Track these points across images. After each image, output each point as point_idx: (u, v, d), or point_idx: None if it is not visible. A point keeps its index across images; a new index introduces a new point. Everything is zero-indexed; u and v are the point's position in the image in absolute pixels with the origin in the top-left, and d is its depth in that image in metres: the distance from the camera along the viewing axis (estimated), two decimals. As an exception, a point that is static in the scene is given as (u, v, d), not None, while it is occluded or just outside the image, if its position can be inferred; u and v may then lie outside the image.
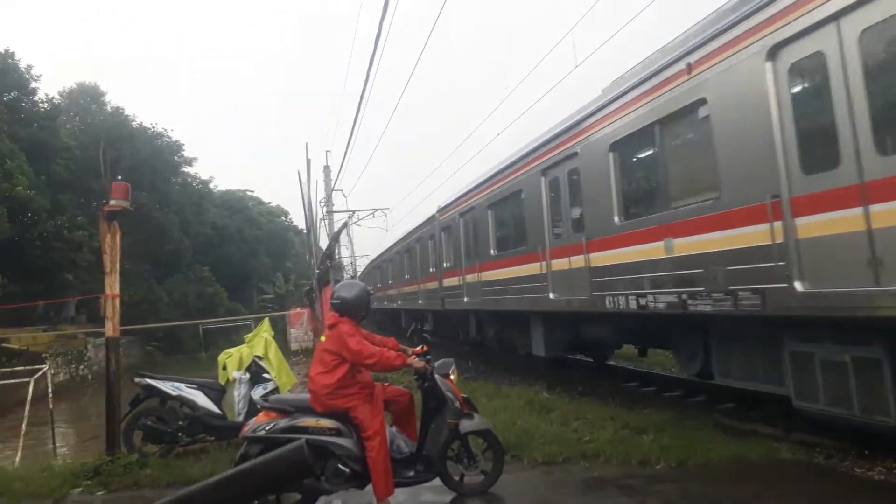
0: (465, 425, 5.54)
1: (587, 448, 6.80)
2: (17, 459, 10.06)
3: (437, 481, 5.55)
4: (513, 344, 13.86)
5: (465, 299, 15.60)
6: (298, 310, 27.29)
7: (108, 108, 33.75)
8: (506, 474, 5.75)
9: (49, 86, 75.35)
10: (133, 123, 33.07)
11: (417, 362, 5.46)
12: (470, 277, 15.26)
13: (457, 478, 5.62)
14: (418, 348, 5.80)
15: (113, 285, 7.64)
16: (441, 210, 18.43)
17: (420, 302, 21.34)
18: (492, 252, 13.92)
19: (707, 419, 8.17)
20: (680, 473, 6.02)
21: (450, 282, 17.28)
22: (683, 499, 5.28)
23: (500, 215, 13.83)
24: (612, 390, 10.50)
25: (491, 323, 15.32)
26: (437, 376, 5.56)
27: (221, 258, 36.84)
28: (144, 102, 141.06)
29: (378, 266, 35.65)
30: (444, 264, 18.17)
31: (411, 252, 23.31)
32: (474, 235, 15.12)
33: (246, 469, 1.49)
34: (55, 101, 30.24)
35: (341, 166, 35.71)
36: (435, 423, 5.52)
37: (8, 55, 27.04)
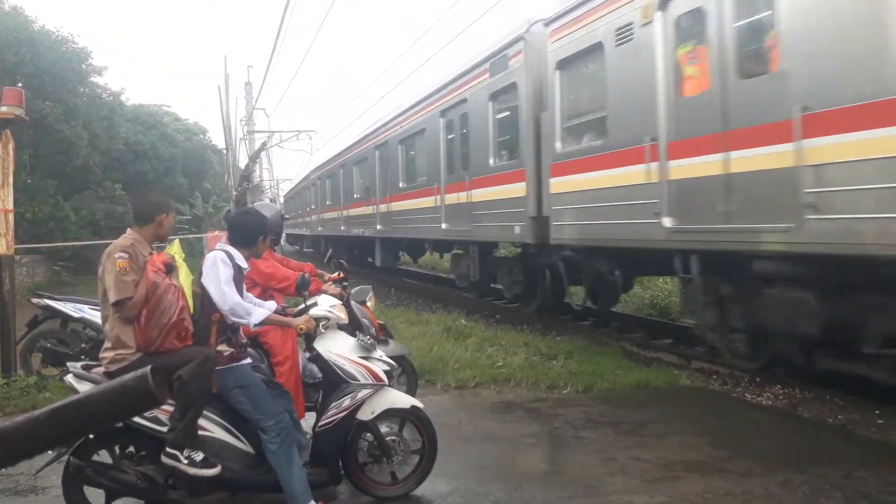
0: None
1: (499, 373, 6.98)
2: None
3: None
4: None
5: (378, 227, 16.85)
6: (216, 233, 26.39)
7: (6, 7, 30.82)
8: (418, 398, 5.80)
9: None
10: (35, 26, 30.35)
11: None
12: (383, 207, 16.44)
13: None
14: (335, 275, 5.64)
15: (6, 199, 7.08)
16: (359, 142, 19.46)
17: (342, 228, 21.95)
18: (400, 185, 15.19)
19: (616, 347, 8.50)
20: (585, 398, 6.27)
21: (365, 210, 18.45)
22: (588, 421, 5.49)
23: (409, 151, 15.10)
24: (528, 318, 10.75)
25: (400, 248, 17.41)
26: (353, 303, 5.46)
27: (134, 176, 34.84)
28: (48, 4, 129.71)
29: (300, 192, 35.02)
30: (359, 194, 19.46)
31: (333, 178, 23.85)
32: (387, 168, 16.30)
33: (81, 399, 1.37)
34: (-57, -5, 27.39)
35: (263, 81, 34.25)
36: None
37: None
